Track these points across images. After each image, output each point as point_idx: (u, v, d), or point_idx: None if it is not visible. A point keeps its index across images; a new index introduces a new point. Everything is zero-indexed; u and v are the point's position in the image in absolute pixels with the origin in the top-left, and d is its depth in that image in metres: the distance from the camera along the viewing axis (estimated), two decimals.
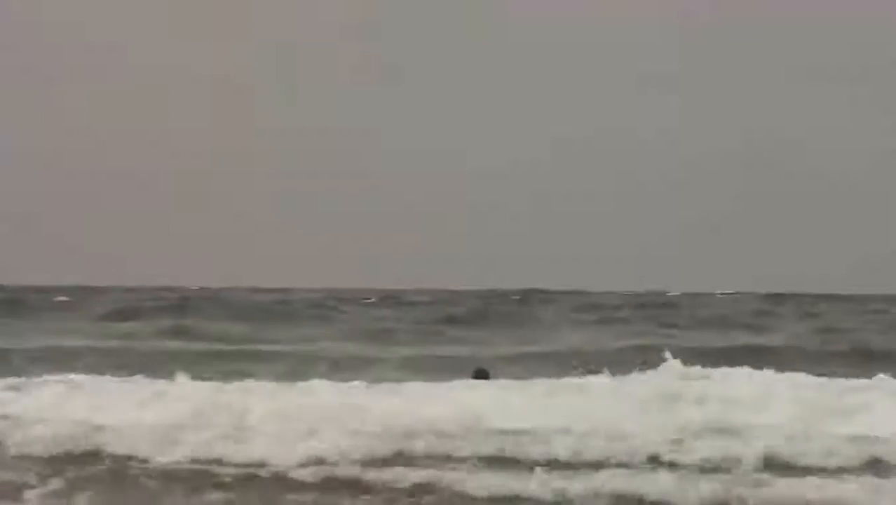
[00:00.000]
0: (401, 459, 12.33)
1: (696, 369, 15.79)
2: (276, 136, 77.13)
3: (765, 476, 11.50)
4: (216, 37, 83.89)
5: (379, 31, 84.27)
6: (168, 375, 16.31)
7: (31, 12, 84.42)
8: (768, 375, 15.63)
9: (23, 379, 16.45)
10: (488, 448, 12.45)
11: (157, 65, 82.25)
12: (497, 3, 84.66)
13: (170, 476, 12.08)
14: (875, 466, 11.92)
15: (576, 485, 11.23)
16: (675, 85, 79.41)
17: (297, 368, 21.66)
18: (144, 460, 12.55)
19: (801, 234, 67.57)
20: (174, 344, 28.66)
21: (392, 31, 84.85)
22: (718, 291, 64.51)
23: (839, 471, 11.74)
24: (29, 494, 11.43)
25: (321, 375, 17.01)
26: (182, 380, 15.38)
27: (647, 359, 24.18)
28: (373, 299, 54.16)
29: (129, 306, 43.68)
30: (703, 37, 79.86)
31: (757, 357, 24.53)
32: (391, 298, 54.33)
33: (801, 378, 15.52)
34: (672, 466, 11.94)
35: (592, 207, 73.47)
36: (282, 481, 11.89)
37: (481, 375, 17.44)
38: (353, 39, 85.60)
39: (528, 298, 55.03)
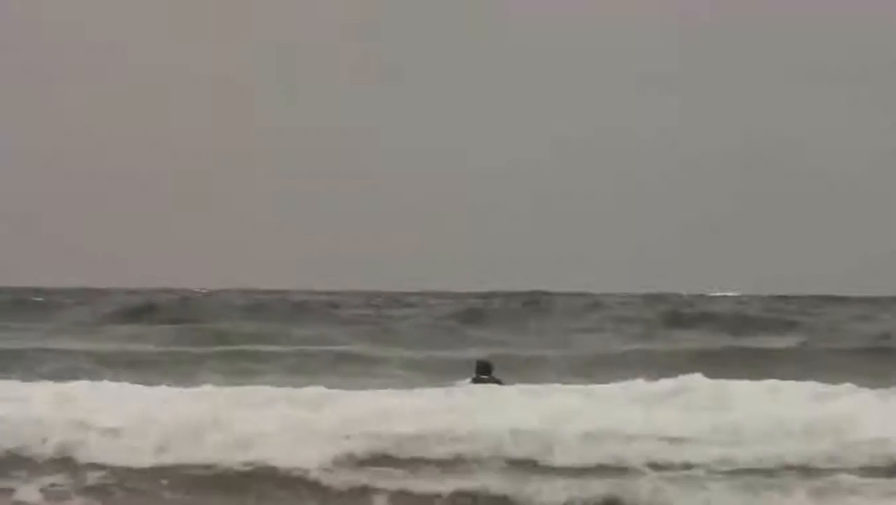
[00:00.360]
0: (405, 462, 12.28)
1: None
2: (276, 136, 77.05)
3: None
4: (216, 37, 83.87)
5: (379, 31, 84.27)
6: (170, 376, 16.17)
7: (31, 12, 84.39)
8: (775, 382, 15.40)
9: (22, 382, 16.28)
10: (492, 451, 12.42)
11: (157, 65, 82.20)
12: (497, 3, 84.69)
13: (168, 479, 11.99)
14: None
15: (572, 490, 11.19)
16: (676, 85, 79.29)
17: (299, 370, 21.57)
18: (139, 464, 12.41)
19: (802, 235, 67.46)
20: (175, 346, 28.50)
21: (392, 31, 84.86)
22: (719, 293, 64.40)
23: (848, 472, 11.71)
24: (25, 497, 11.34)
25: (324, 377, 16.91)
26: (178, 383, 15.23)
27: (653, 361, 24.15)
28: (374, 301, 53.97)
29: (129, 308, 43.49)
30: (703, 37, 79.82)
31: (764, 359, 24.51)
32: (394, 300, 54.19)
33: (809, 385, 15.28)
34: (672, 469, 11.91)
35: (592, 208, 73.39)
36: (282, 485, 11.80)
37: (484, 368, 17.43)
38: (353, 39, 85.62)
39: (530, 299, 54.79)
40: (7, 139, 75.16)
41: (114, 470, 12.30)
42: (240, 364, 23.40)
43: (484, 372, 17.36)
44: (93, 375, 17.19)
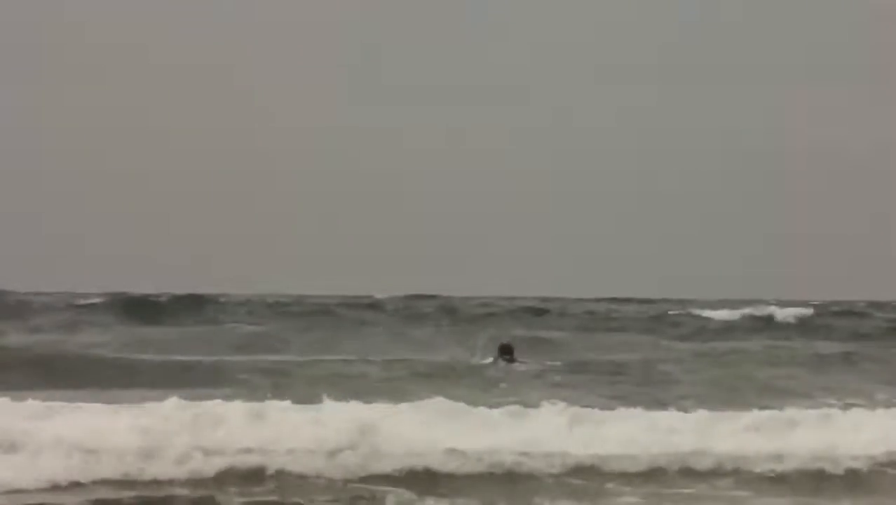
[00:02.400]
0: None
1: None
2: (277, 136, 76.95)
3: None
4: (216, 36, 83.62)
5: (379, 31, 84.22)
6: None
7: (31, 12, 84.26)
8: None
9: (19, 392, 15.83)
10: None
11: (158, 65, 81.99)
12: (497, 3, 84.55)
13: None
14: None
15: None
16: (675, 84, 78.97)
17: (295, 380, 21.12)
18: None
19: (803, 236, 67.18)
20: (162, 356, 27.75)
21: (392, 31, 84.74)
22: (725, 297, 64.11)
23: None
24: None
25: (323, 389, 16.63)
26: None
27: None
28: (377, 304, 53.51)
29: (126, 312, 43.13)
30: (701, 36, 79.50)
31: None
32: (399, 303, 53.87)
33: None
34: None
35: (595, 209, 73.09)
36: None
37: (506, 350, 17.55)
38: (353, 40, 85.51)
39: (532, 305, 54.27)
40: (7, 139, 74.91)
41: None
42: (236, 371, 23.04)
43: (506, 354, 17.48)
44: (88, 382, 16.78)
